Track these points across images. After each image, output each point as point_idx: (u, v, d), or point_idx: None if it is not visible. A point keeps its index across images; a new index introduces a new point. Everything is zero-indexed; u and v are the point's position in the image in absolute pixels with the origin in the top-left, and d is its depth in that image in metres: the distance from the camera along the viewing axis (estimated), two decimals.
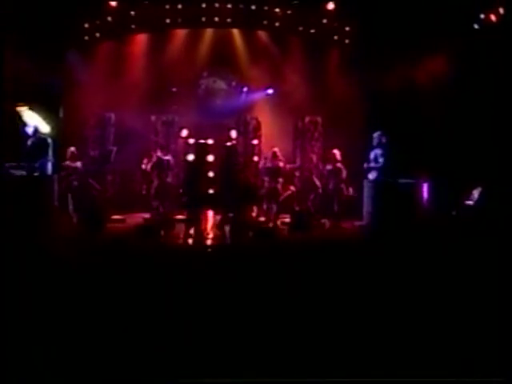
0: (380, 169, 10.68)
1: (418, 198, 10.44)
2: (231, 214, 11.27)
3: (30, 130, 9.96)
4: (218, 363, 4.25)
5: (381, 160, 10.69)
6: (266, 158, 11.81)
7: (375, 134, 10.85)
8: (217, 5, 12.56)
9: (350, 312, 5.32)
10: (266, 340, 4.67)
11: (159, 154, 11.42)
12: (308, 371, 4.17)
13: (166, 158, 11.46)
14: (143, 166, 11.66)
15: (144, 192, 11.58)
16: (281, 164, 11.61)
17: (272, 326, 4.95)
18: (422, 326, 4.97)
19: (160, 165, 11.34)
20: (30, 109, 10.23)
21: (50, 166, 9.96)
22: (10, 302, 5.19)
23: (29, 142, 9.91)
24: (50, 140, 10.05)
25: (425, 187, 10.66)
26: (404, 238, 8.86)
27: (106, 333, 4.69)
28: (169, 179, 11.50)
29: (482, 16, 10.89)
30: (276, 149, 11.69)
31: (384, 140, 10.77)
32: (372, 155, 10.83)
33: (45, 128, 10.31)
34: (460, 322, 5.10)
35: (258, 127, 12.63)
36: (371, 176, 10.76)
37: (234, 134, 12.02)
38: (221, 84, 13.75)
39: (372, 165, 10.79)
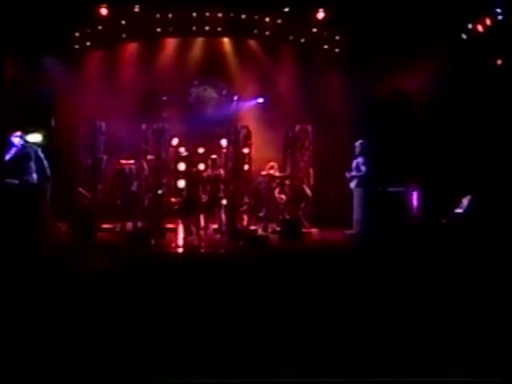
0: (362, 177, 10.75)
1: (407, 207, 10.48)
2: (223, 223, 11.39)
3: (16, 140, 9.58)
4: (211, 368, 4.29)
5: (363, 168, 10.74)
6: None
7: (357, 143, 10.93)
8: (207, 14, 12.62)
9: (343, 318, 5.35)
10: (258, 346, 4.69)
11: (123, 162, 11.53)
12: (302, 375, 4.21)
13: (129, 166, 11.55)
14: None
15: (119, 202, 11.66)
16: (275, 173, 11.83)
17: (264, 333, 4.98)
18: (419, 329, 5.01)
19: (122, 173, 11.46)
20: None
21: (34, 176, 9.81)
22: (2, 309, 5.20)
23: (12, 152, 9.57)
24: (33, 152, 9.70)
25: (414, 195, 10.71)
26: (394, 246, 8.90)
27: (100, 338, 4.71)
28: (133, 187, 11.56)
29: (470, 26, 11.02)
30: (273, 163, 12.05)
31: (366, 147, 10.83)
32: (354, 164, 10.87)
33: (35, 137, 10.26)
34: (458, 324, 5.14)
35: (248, 136, 12.65)
36: (352, 184, 10.82)
37: (224, 142, 12.09)
38: (211, 92, 13.78)
39: (354, 173, 10.86)
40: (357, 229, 10.36)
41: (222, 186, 11.42)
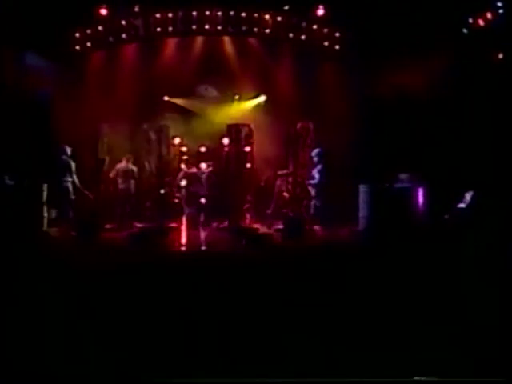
0: (316, 185, 11.20)
1: (413, 203, 10.48)
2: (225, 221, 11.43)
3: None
4: (211, 367, 4.29)
5: (317, 176, 11.18)
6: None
7: (313, 152, 11.18)
8: (207, 12, 12.63)
9: (348, 316, 5.35)
10: (259, 346, 4.69)
11: (124, 163, 11.86)
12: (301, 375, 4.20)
13: (131, 167, 11.93)
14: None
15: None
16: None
17: (267, 333, 4.97)
18: (422, 327, 5.00)
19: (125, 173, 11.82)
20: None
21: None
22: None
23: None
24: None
25: (420, 192, 10.70)
26: (399, 243, 8.89)
27: (102, 337, 4.71)
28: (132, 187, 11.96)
29: (471, 21, 10.99)
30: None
31: (323, 155, 11.32)
32: (312, 172, 11.48)
33: None
34: (460, 323, 5.13)
35: (250, 134, 12.66)
36: (312, 191, 11.41)
37: (226, 141, 12.11)
38: (212, 91, 13.75)
39: (311, 181, 11.42)
40: (362, 225, 10.37)
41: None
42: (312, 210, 11.56)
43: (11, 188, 9.64)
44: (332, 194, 12.17)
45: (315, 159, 11.42)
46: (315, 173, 11.37)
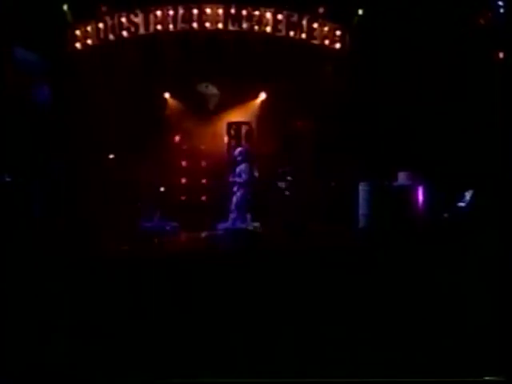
0: (242, 184, 11.31)
1: (413, 201, 10.50)
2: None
3: None
4: (211, 368, 4.29)
5: (243, 176, 11.30)
6: None
7: (236, 152, 11.50)
8: (208, 10, 12.62)
9: (348, 315, 5.36)
10: (258, 346, 4.69)
11: None
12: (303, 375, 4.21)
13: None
14: None
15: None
16: None
17: (267, 333, 4.97)
18: (422, 327, 5.01)
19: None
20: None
21: None
22: None
23: None
24: None
25: (420, 190, 10.71)
26: (398, 241, 8.91)
27: (103, 339, 4.71)
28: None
29: (471, 19, 11.00)
30: None
31: (247, 154, 11.48)
32: (237, 170, 11.43)
33: None
34: (460, 322, 5.13)
35: (250, 132, 12.67)
36: (234, 189, 11.42)
37: (225, 139, 12.12)
38: (213, 89, 13.74)
39: (236, 179, 11.41)
40: (362, 224, 10.39)
41: None
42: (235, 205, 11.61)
43: (9, 184, 9.69)
44: (332, 192, 12.23)
45: (238, 158, 11.53)
46: (240, 171, 11.48)
